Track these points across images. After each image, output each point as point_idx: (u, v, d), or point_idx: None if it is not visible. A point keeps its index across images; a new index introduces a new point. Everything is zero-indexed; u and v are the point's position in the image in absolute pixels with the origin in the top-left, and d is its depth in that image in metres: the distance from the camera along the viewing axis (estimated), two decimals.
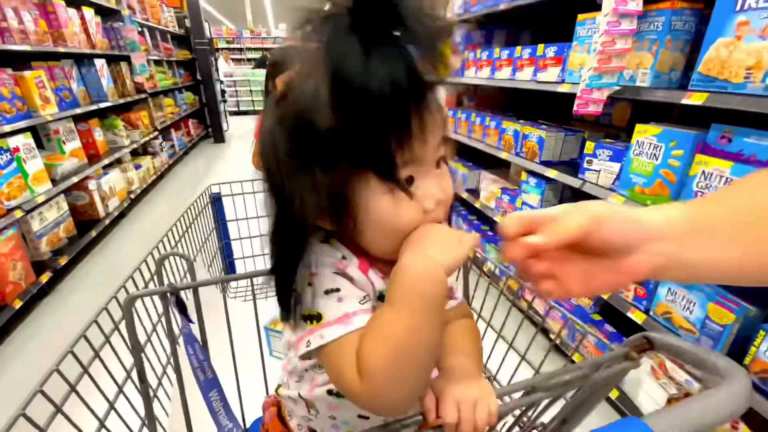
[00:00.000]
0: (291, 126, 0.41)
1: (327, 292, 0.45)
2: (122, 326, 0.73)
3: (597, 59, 1.42)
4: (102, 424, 0.66)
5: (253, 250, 1.64)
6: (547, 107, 2.39)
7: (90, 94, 3.45)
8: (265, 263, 1.62)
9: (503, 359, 0.91)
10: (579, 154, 1.90)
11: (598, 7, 1.40)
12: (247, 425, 0.93)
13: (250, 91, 10.23)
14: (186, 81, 6.88)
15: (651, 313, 1.41)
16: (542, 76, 1.89)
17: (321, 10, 0.37)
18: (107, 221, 3.28)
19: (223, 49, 11.37)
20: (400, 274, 0.40)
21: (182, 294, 0.77)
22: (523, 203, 2.15)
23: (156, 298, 0.78)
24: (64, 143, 2.98)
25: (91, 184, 3.11)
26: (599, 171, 1.60)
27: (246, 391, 0.91)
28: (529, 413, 0.64)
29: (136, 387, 0.76)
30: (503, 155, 2.26)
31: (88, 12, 3.45)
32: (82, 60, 3.38)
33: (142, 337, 0.80)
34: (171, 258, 0.96)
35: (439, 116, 0.42)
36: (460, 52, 2.59)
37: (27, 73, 2.54)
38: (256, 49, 12.63)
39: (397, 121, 0.38)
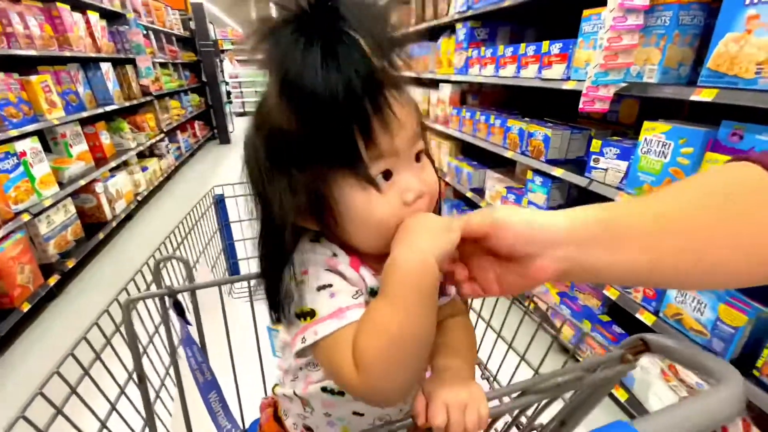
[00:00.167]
0: (265, 131, 0.43)
1: (319, 289, 0.45)
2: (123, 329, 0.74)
3: (603, 55, 1.39)
4: (103, 425, 0.66)
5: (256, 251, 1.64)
6: (553, 105, 2.36)
7: (96, 98, 3.48)
8: None
9: (503, 359, 0.90)
10: (585, 152, 1.86)
11: (603, 3, 1.38)
12: (247, 426, 0.93)
13: (256, 92, 10.25)
14: (191, 83, 6.95)
15: (661, 314, 1.39)
16: (547, 73, 1.86)
17: (269, 18, 0.39)
18: (114, 223, 3.31)
19: (228, 50, 11.45)
20: (391, 267, 0.41)
21: (182, 296, 0.77)
22: (529, 202, 2.12)
23: (156, 300, 0.79)
24: (71, 147, 3.02)
25: (98, 187, 3.14)
26: (606, 169, 1.58)
27: (246, 391, 0.91)
28: (527, 414, 0.64)
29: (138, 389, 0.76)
30: (508, 154, 2.24)
31: (93, 16, 3.48)
32: (88, 64, 3.42)
33: (144, 340, 0.80)
34: (172, 260, 0.96)
35: (407, 108, 0.43)
36: (462, 49, 2.57)
37: (33, 78, 2.57)
38: None
39: (354, 119, 0.38)
